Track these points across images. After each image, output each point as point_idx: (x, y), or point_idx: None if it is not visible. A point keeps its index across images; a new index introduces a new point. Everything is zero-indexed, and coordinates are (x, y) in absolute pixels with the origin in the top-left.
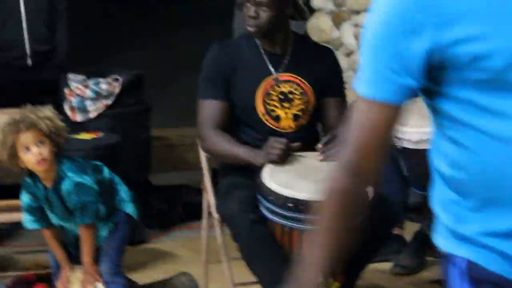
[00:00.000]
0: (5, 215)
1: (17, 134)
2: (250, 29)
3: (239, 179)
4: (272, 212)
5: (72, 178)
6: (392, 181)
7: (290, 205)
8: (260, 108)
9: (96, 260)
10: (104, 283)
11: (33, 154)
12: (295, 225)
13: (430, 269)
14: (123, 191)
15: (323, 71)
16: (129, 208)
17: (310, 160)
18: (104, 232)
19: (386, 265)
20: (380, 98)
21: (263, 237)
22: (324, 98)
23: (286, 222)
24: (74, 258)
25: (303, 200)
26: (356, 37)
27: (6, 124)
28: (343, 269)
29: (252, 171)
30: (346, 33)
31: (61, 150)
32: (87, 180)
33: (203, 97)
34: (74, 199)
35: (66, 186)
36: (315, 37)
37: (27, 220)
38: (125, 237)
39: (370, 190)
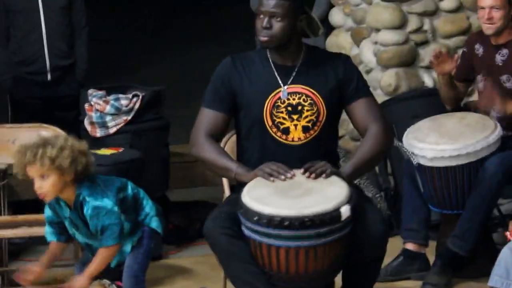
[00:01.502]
0: (22, 230)
1: (23, 165)
2: (263, 39)
3: (236, 195)
4: (244, 226)
5: (91, 202)
6: (412, 199)
7: (255, 218)
8: (268, 121)
9: (119, 275)
10: None
11: (36, 187)
12: (263, 239)
13: None
14: (148, 206)
15: (337, 78)
16: (154, 223)
17: (297, 176)
18: (128, 247)
19: (406, 283)
20: None
21: (240, 252)
22: (350, 104)
23: (255, 236)
24: (105, 273)
25: (267, 215)
26: (376, 54)
27: (17, 151)
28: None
29: None
30: (366, 50)
31: (82, 174)
32: (107, 203)
33: (204, 105)
34: (95, 222)
35: (86, 210)
36: None
37: (47, 232)
38: (149, 252)
39: (346, 209)
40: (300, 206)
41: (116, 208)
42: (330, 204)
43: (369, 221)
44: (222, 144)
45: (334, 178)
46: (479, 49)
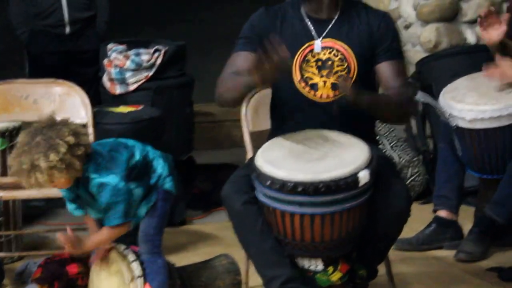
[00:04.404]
0: (36, 191)
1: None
2: None
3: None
4: (258, 190)
5: (95, 179)
6: (448, 164)
7: (268, 183)
8: (296, 75)
9: (135, 239)
10: (142, 264)
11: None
12: (276, 205)
13: (489, 257)
14: (160, 166)
15: (372, 35)
16: (167, 184)
17: (315, 138)
18: (142, 211)
19: (439, 252)
20: None
21: (254, 219)
22: (379, 63)
23: (268, 202)
24: (120, 238)
25: (280, 179)
26: (415, 8)
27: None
28: (347, 259)
29: None
30: (405, 4)
31: (83, 157)
32: (112, 179)
33: (234, 51)
34: (101, 200)
35: (91, 187)
36: None
37: (71, 209)
38: (164, 215)
39: (364, 174)
40: (315, 170)
41: (122, 184)
42: (347, 168)
43: (392, 195)
44: (250, 96)
45: (354, 140)
46: None
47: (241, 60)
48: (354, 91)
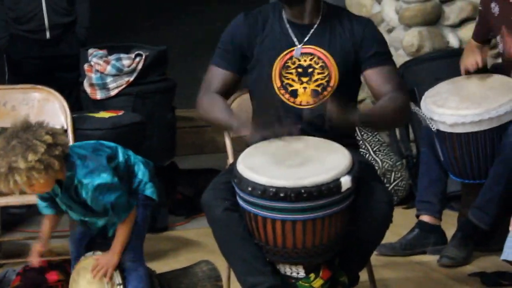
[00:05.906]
0: (14, 198)
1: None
2: None
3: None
4: (239, 196)
5: (90, 183)
6: (430, 168)
7: (249, 189)
8: (276, 82)
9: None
10: (123, 272)
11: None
12: (258, 211)
13: (472, 262)
14: (140, 171)
15: (354, 42)
16: (148, 190)
17: (296, 144)
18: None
19: (423, 257)
20: None
21: (234, 225)
22: (365, 70)
23: (249, 208)
24: (99, 245)
25: (261, 185)
26: (398, 12)
27: None
28: (329, 265)
29: None
30: (387, 8)
31: (62, 157)
32: (105, 178)
33: (212, 62)
34: (102, 202)
35: (86, 193)
36: (354, 12)
37: (41, 206)
38: (144, 222)
39: (346, 180)
40: (297, 176)
41: (116, 179)
42: (329, 174)
43: (374, 201)
44: (230, 102)
45: (336, 146)
46: (494, 8)
47: (218, 79)
48: (341, 112)
